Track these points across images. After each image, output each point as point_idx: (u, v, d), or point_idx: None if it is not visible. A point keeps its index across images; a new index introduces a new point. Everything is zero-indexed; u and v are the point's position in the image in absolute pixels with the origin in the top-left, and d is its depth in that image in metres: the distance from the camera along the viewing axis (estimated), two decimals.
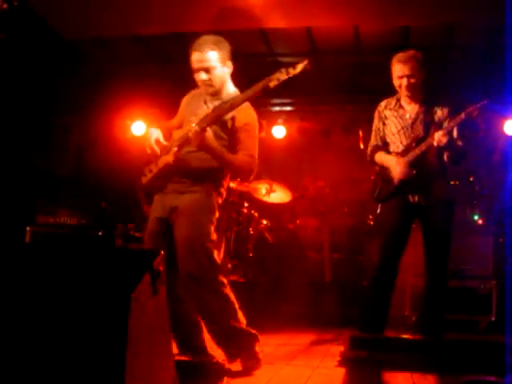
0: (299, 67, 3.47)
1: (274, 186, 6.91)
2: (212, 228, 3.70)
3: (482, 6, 5.90)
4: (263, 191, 6.86)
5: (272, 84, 3.40)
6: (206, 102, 3.69)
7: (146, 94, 7.50)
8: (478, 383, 3.43)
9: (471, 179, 6.50)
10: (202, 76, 3.71)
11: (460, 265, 5.80)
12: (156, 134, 3.81)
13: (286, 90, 7.61)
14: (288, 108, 8.08)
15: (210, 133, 3.55)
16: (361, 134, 7.27)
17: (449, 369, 3.78)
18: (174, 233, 3.69)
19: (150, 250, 2.34)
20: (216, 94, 3.79)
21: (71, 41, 6.65)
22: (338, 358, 4.12)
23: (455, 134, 4.24)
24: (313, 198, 7.20)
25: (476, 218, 6.37)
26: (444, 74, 6.74)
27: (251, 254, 6.40)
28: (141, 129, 7.71)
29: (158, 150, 3.73)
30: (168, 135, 3.83)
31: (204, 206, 3.71)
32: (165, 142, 3.75)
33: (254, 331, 3.78)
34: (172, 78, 7.47)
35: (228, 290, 3.69)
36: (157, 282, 2.39)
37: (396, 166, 4.35)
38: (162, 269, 2.44)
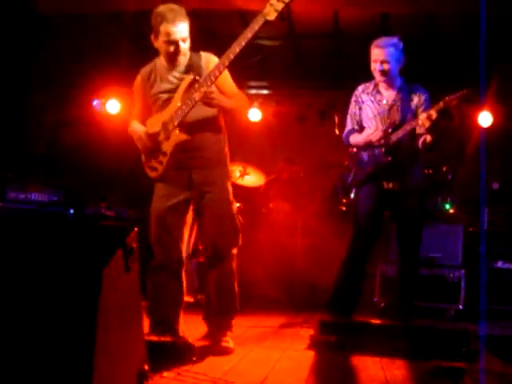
0: None
1: (248, 169, 6.87)
2: None
3: None
4: (237, 174, 6.82)
5: (271, 17, 3.30)
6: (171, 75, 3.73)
7: (119, 72, 7.40)
8: (445, 369, 3.47)
9: (444, 169, 6.54)
10: (180, 47, 3.64)
11: (430, 253, 5.85)
12: (141, 127, 3.83)
13: (263, 72, 7.66)
14: (264, 91, 8.05)
15: (215, 89, 3.59)
16: (336, 119, 7.25)
17: (417, 354, 3.80)
18: (202, 208, 3.82)
19: (122, 226, 2.32)
20: (177, 64, 3.75)
21: (46, 16, 6.52)
22: (308, 342, 4.13)
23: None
24: (287, 182, 7.18)
25: (447, 207, 6.42)
26: (422, 62, 6.75)
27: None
28: (115, 107, 7.60)
29: (152, 140, 3.74)
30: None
31: (228, 178, 3.91)
32: (151, 131, 3.77)
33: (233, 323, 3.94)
34: (146, 56, 7.38)
35: None
36: (129, 258, 2.36)
37: (373, 133, 4.37)
38: (134, 245, 2.41)
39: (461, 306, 5.77)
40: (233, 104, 3.75)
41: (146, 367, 2.59)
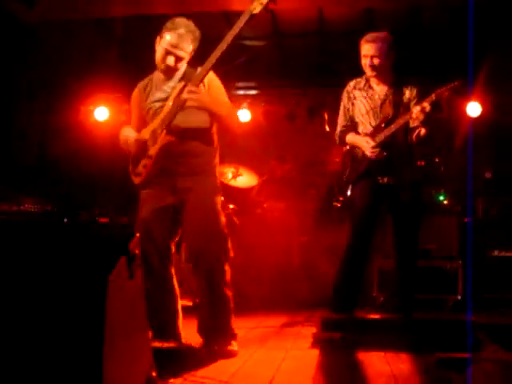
0: None
1: (241, 170, 6.87)
2: None
3: None
4: (229, 175, 6.82)
5: (256, 11, 3.30)
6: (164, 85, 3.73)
7: (107, 79, 7.37)
8: (450, 360, 3.47)
9: (436, 160, 6.56)
10: (170, 61, 3.65)
11: (426, 245, 5.86)
12: (132, 132, 3.81)
13: (250, 73, 7.65)
14: (252, 91, 8.02)
15: (202, 88, 3.57)
16: (326, 116, 7.26)
17: (421, 347, 3.80)
18: (185, 216, 3.73)
19: (125, 232, 2.31)
20: (172, 76, 3.76)
21: (30, 25, 6.47)
22: (311, 340, 4.12)
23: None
24: (279, 181, 7.17)
25: (441, 198, 6.44)
26: (409, 56, 6.77)
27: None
28: (104, 114, 7.58)
29: (141, 147, 3.71)
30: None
31: (215, 188, 3.83)
32: (142, 138, 3.74)
33: (235, 331, 3.83)
34: (134, 63, 7.36)
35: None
36: (132, 265, 2.35)
37: (367, 147, 4.35)
38: (137, 252, 2.40)
39: (459, 297, 5.79)
40: (221, 111, 3.71)
41: (154, 374, 2.58)
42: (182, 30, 3.60)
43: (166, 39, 3.62)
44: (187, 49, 3.65)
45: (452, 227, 6.02)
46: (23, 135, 7.64)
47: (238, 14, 6.62)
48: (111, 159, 7.22)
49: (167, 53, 3.64)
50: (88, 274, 2.16)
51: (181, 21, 3.64)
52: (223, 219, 3.80)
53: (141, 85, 3.92)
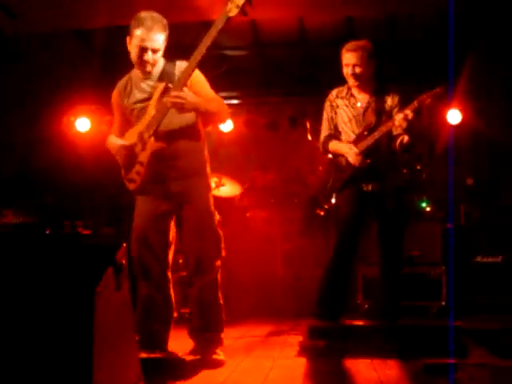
0: None
1: (223, 180, 6.85)
2: None
3: None
4: (212, 185, 6.79)
5: (232, 13, 3.28)
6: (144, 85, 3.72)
7: (89, 90, 7.34)
8: (438, 366, 3.47)
9: (418, 167, 6.61)
10: (149, 56, 3.61)
11: (410, 251, 5.89)
12: (119, 141, 3.78)
13: (232, 82, 7.66)
14: (234, 101, 8.04)
15: (186, 91, 3.53)
16: (308, 125, 7.29)
17: (407, 354, 3.81)
18: (181, 219, 3.78)
19: (111, 243, 2.29)
20: (150, 73, 3.72)
21: (14, 35, 6.43)
22: (297, 348, 4.11)
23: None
24: (262, 190, 7.18)
25: (424, 205, 6.48)
26: (389, 64, 6.82)
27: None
28: (85, 125, 7.53)
29: (129, 152, 3.69)
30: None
31: (208, 188, 3.86)
32: (127, 143, 3.72)
33: (223, 339, 3.86)
34: (114, 72, 7.33)
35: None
36: (120, 276, 2.33)
37: (350, 154, 4.36)
38: (124, 262, 2.38)
39: (443, 303, 5.82)
40: (209, 107, 3.68)
41: None
42: (148, 22, 3.55)
43: (137, 35, 3.57)
44: (160, 39, 3.61)
45: (435, 234, 6.06)
46: (4, 146, 7.59)
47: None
48: (93, 170, 7.21)
49: (141, 49, 3.59)
50: (75, 286, 2.14)
51: (145, 14, 3.59)
52: (217, 218, 3.86)
53: (120, 84, 3.88)
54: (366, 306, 5.86)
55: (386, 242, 4.43)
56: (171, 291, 3.87)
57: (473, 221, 6.29)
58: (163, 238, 3.80)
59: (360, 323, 4.43)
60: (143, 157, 3.65)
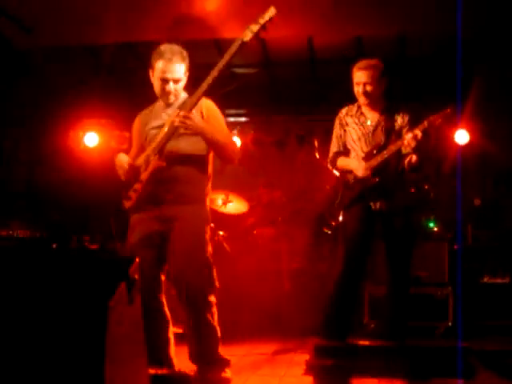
0: (267, 14, 3.42)
1: (231, 197, 6.87)
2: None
3: (432, 17, 6.04)
4: (219, 202, 6.82)
5: (247, 38, 3.41)
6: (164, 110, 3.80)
7: (98, 105, 7.38)
8: None
9: (426, 187, 6.60)
10: (171, 86, 3.71)
11: (417, 271, 5.86)
12: (126, 158, 3.79)
13: (240, 100, 7.70)
14: (242, 119, 8.08)
15: (195, 114, 3.58)
16: (316, 143, 7.30)
17: (415, 374, 3.81)
18: (171, 245, 3.69)
19: (124, 257, 2.28)
20: (172, 104, 3.81)
21: (24, 50, 6.49)
22: (304, 367, 4.10)
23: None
24: (269, 207, 7.18)
25: (431, 225, 6.46)
26: (398, 83, 6.85)
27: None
28: (94, 140, 7.57)
29: (134, 172, 3.71)
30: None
31: (203, 218, 3.77)
32: (136, 164, 3.75)
33: (228, 358, 3.79)
34: (124, 88, 7.40)
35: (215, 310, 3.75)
36: (132, 290, 2.33)
37: (359, 168, 4.37)
38: (136, 277, 2.38)
39: (450, 323, 5.78)
40: (217, 136, 3.68)
41: None
42: (168, 55, 3.66)
43: (158, 68, 3.69)
44: (180, 69, 3.69)
45: (442, 254, 6.02)
46: (12, 160, 7.63)
47: (229, 42, 6.72)
48: (101, 185, 7.22)
49: (163, 80, 3.71)
50: (88, 300, 2.14)
51: (165, 47, 3.71)
52: (209, 249, 3.75)
53: (143, 113, 3.98)
54: (372, 325, 5.82)
55: (394, 262, 4.42)
56: (164, 310, 3.83)
57: (480, 241, 6.28)
58: (153, 258, 3.72)
59: (367, 343, 4.39)
60: (144, 175, 3.67)
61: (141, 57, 7.12)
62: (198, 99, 3.56)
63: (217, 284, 3.77)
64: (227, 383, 3.67)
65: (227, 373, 3.72)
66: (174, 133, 3.59)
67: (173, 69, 3.66)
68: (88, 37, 6.30)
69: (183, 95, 3.83)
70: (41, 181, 7.71)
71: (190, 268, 3.63)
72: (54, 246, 5.72)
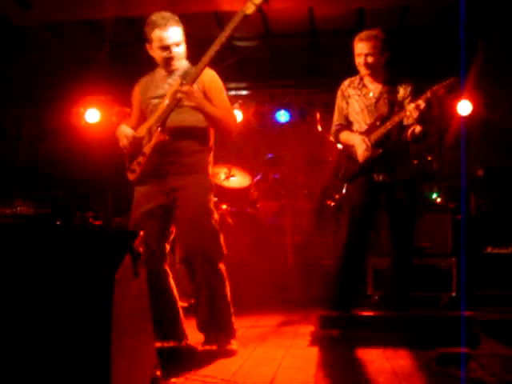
0: None
1: (233, 171, 6.87)
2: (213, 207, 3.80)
3: None
4: (222, 176, 6.82)
5: (249, 11, 3.37)
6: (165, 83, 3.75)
7: (98, 81, 7.35)
8: (449, 356, 3.48)
9: (429, 158, 6.59)
10: (172, 52, 3.66)
11: (420, 242, 5.87)
12: (128, 130, 3.79)
13: (241, 73, 7.67)
14: (244, 92, 8.05)
15: (196, 88, 3.58)
16: (318, 116, 7.28)
17: (419, 343, 3.82)
18: (177, 215, 3.73)
19: (129, 231, 2.29)
20: (174, 70, 3.77)
21: (24, 27, 6.45)
22: (309, 338, 4.13)
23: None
24: (272, 181, 7.18)
25: (434, 196, 6.46)
26: (400, 55, 6.81)
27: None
28: (95, 116, 7.56)
29: (137, 144, 3.71)
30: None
31: (207, 187, 3.79)
32: (138, 135, 3.74)
33: (235, 329, 3.85)
34: (123, 63, 7.35)
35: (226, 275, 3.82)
36: (137, 263, 2.34)
37: (361, 145, 4.35)
38: (141, 250, 2.39)
39: (453, 294, 5.81)
40: (216, 113, 3.68)
41: (159, 373, 2.57)
42: (161, 21, 3.62)
43: (156, 37, 3.65)
44: (177, 31, 3.66)
45: (445, 225, 6.02)
46: (14, 137, 7.62)
47: (228, 14, 6.68)
48: (102, 161, 7.23)
49: (163, 48, 3.66)
50: (93, 273, 2.15)
51: (155, 15, 3.66)
52: (216, 217, 3.78)
53: (142, 80, 3.94)
54: (376, 297, 5.85)
55: (397, 233, 4.42)
56: (170, 281, 3.86)
57: (483, 212, 6.28)
58: (158, 229, 3.76)
59: (371, 313, 4.41)
60: (147, 148, 3.68)
61: (140, 32, 7.06)
62: (200, 72, 3.54)
63: (225, 251, 3.80)
64: (233, 355, 3.70)
65: (233, 344, 3.75)
66: (176, 105, 3.58)
67: (170, 34, 3.62)
68: (87, 11, 6.25)
69: (185, 63, 3.79)
70: (43, 158, 7.72)
71: (198, 237, 3.66)
72: (58, 222, 5.75)
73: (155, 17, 3.65)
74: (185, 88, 3.49)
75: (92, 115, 7.57)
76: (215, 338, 3.73)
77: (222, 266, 3.77)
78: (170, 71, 3.76)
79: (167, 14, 3.66)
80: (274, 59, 7.85)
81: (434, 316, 4.38)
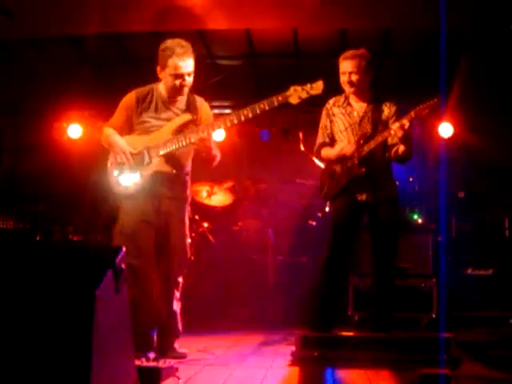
0: (314, 91, 3.83)
1: (215, 189, 6.86)
2: None
3: (417, 11, 6.04)
4: (204, 194, 6.81)
5: (293, 102, 3.84)
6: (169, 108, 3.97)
7: (81, 96, 7.33)
8: (430, 377, 3.46)
9: (410, 179, 6.62)
10: (185, 81, 3.84)
11: (401, 263, 5.86)
12: (125, 145, 3.90)
13: (225, 92, 7.67)
14: (227, 111, 8.03)
15: (210, 133, 3.81)
16: (301, 135, 7.28)
17: (400, 364, 3.81)
18: (168, 237, 3.98)
19: (111, 246, 2.26)
20: (180, 96, 3.96)
21: (6, 41, 6.41)
22: (290, 358, 4.09)
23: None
24: (254, 199, 7.16)
25: (415, 217, 6.48)
26: (380, 79, 6.86)
27: (193, 258, 6.29)
28: (77, 131, 7.52)
29: (131, 160, 3.86)
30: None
31: (187, 212, 4.11)
32: (134, 151, 3.88)
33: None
34: (107, 79, 7.33)
35: None
36: (119, 279, 2.31)
37: (345, 146, 4.38)
38: (123, 266, 2.35)
39: (433, 315, 5.81)
40: (216, 153, 4.04)
41: None
42: (179, 50, 3.77)
43: (171, 65, 3.79)
44: (191, 62, 3.84)
45: (426, 246, 6.03)
46: None
47: (213, 33, 6.69)
48: (84, 176, 7.18)
49: (176, 76, 3.81)
50: (75, 289, 2.11)
51: (172, 42, 3.80)
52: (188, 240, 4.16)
53: (141, 91, 4.01)
54: (357, 317, 5.83)
55: (379, 253, 4.41)
56: (155, 292, 3.97)
57: (464, 233, 6.31)
58: (150, 241, 3.95)
59: (352, 334, 4.39)
60: (146, 171, 3.83)
61: (124, 48, 7.07)
62: (224, 127, 3.81)
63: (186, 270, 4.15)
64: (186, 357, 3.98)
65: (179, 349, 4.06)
66: (186, 145, 3.81)
67: (186, 64, 3.78)
68: (70, 27, 6.23)
69: (186, 92, 3.96)
70: (24, 172, 7.64)
71: (179, 262, 4.03)
72: (38, 237, 5.70)
73: (173, 44, 3.79)
74: (204, 137, 3.70)
75: (74, 130, 7.53)
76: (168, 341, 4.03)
77: (180, 280, 4.08)
78: (173, 97, 3.91)
79: (185, 43, 3.81)
80: (258, 78, 7.87)
81: (415, 337, 4.36)
